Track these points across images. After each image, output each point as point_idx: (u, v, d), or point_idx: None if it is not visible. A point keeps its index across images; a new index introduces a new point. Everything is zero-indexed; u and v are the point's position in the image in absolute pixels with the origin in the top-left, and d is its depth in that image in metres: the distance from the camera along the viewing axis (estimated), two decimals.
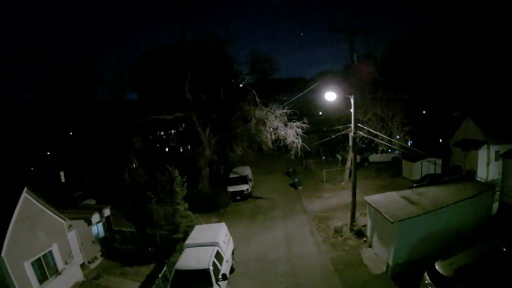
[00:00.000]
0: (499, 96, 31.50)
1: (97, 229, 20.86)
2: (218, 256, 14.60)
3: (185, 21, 25.28)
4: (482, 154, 24.39)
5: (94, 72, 31.08)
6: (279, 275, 15.77)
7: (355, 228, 19.18)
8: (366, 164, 34.67)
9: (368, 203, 16.99)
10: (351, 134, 18.76)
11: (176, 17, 31.41)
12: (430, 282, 11.77)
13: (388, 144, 21.65)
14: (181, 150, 38.14)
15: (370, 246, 17.36)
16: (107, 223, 21.66)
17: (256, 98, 24.10)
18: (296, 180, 29.60)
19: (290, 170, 31.96)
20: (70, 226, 18.25)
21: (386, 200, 16.55)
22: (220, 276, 13.45)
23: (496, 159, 23.50)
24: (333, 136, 27.87)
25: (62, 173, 27.43)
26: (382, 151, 33.86)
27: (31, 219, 15.44)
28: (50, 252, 16.23)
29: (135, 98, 32.42)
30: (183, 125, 33.07)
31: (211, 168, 30.44)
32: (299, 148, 23.76)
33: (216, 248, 14.96)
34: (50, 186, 29.09)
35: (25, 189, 15.24)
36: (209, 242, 15.40)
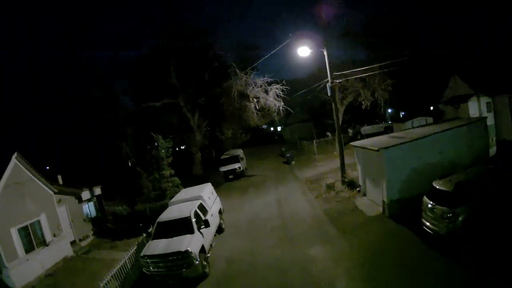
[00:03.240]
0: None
1: (88, 208, 20.44)
2: (202, 208, 14.00)
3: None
4: (473, 106, 23.33)
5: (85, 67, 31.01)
6: (270, 229, 15.02)
7: (346, 180, 18.40)
8: (359, 137, 33.88)
9: (355, 146, 16.30)
10: (328, 84, 18.55)
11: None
12: (431, 203, 10.43)
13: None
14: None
15: (364, 194, 16.31)
16: (99, 203, 21.21)
17: (236, 69, 23.97)
18: (288, 155, 29.06)
19: (283, 149, 31.43)
20: (60, 200, 17.99)
21: (373, 140, 16.09)
22: (202, 224, 12.75)
23: (489, 110, 22.34)
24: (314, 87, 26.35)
25: (59, 177, 27.03)
26: (371, 121, 33.06)
27: (20, 186, 15.24)
28: (38, 222, 15.89)
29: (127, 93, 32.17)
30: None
31: (203, 153, 30.08)
32: (281, 110, 23.45)
33: (200, 201, 14.40)
34: None
35: (15, 154, 15.21)
36: (193, 197, 14.92)
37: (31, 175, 16.00)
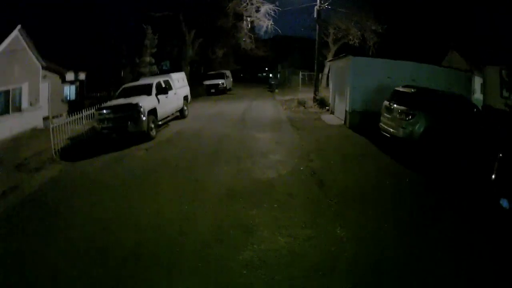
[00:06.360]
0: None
1: (70, 90, 20.65)
2: (167, 83, 14.19)
3: None
4: None
5: None
6: (228, 120, 15.28)
7: (318, 97, 18.48)
8: None
9: (330, 61, 16.24)
10: (316, 7, 18.71)
11: None
12: (391, 103, 9.85)
13: None
14: None
15: (332, 113, 16.01)
16: (80, 88, 21.44)
17: None
18: (273, 83, 28.88)
19: (270, 77, 31.10)
20: (45, 76, 18.05)
21: None
22: (161, 91, 13.02)
23: (482, 91, 20.34)
24: None
25: None
26: None
27: (14, 53, 15.35)
28: (20, 89, 16.05)
29: None
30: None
31: (191, 68, 29.96)
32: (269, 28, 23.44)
33: (167, 78, 14.67)
34: None
35: (19, 27, 15.36)
36: (163, 76, 15.27)
37: (26, 46, 16.15)
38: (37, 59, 17.06)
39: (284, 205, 5.86)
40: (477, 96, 20.12)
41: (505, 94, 17.20)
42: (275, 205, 5.84)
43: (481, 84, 20.26)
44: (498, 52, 19.34)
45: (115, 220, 5.68)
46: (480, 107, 16.06)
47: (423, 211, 5.68)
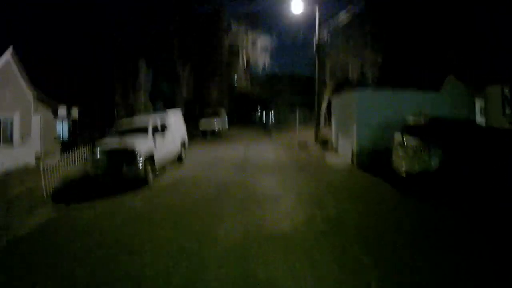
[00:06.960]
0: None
1: (62, 128, 19.92)
2: (164, 122, 13.58)
3: None
4: None
5: None
6: (228, 164, 14.45)
7: (320, 138, 18.02)
8: None
9: (333, 98, 15.90)
10: (315, 40, 18.96)
11: None
12: (401, 137, 9.51)
13: None
14: None
15: (336, 152, 15.51)
16: (73, 127, 20.70)
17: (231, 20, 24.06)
18: (269, 122, 28.68)
19: (265, 116, 30.92)
20: (37, 109, 17.50)
21: None
22: (157, 130, 12.44)
23: (482, 115, 19.71)
24: None
25: None
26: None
27: (5, 81, 14.79)
28: (11, 119, 15.37)
29: None
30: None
31: (187, 108, 29.57)
32: (266, 63, 23.60)
33: (164, 116, 14.14)
34: None
35: (10, 50, 14.79)
36: (159, 114, 14.69)
37: (18, 73, 15.57)
38: (29, 88, 16.37)
39: (306, 264, 5.11)
40: (477, 118, 18.83)
41: (508, 111, 17.09)
42: (296, 264, 5.09)
43: (480, 107, 19.87)
44: (499, 70, 19.21)
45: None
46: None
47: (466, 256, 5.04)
